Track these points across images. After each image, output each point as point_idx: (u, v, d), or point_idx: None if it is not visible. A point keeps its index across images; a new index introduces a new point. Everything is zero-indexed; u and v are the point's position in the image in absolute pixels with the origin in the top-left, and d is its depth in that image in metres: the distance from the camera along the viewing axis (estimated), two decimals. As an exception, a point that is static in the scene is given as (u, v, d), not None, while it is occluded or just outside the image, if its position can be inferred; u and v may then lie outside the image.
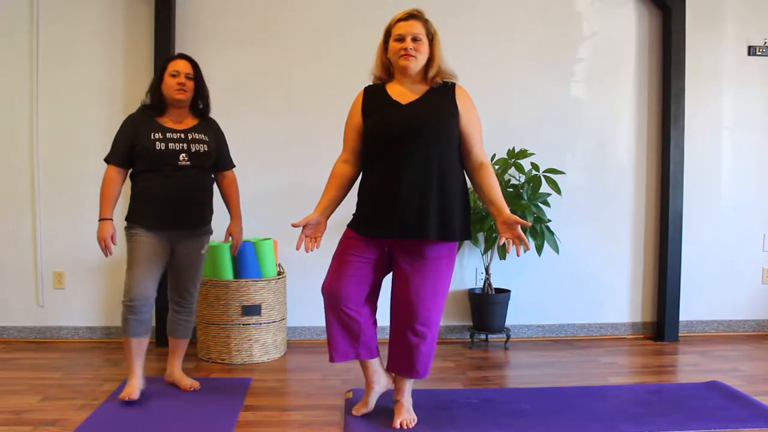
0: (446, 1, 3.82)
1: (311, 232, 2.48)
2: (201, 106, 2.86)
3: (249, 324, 3.40)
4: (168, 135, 2.74)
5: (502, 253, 3.71)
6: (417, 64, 2.39)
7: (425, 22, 2.40)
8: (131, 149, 2.72)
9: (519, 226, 2.32)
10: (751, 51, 3.98)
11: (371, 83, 2.54)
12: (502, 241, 2.34)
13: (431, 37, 2.40)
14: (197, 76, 2.80)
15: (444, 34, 2.47)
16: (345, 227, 2.53)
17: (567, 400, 2.80)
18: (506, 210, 2.37)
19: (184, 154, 2.74)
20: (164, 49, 3.63)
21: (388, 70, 2.48)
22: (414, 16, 2.38)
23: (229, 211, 3.02)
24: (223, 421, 2.54)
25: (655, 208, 4.02)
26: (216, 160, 2.88)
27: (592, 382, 3.11)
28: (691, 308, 4.04)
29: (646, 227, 4.04)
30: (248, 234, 3.67)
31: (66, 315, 3.85)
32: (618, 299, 4.05)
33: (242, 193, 3.77)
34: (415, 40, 2.35)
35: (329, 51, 3.81)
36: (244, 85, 3.80)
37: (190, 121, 2.83)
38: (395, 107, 2.40)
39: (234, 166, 3.01)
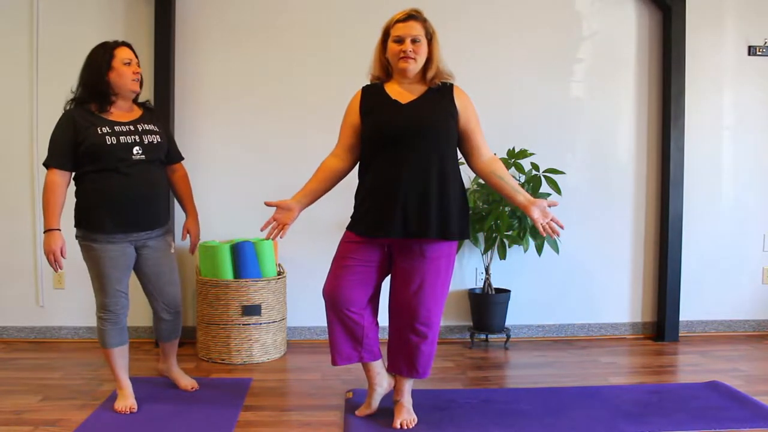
0: (445, 1, 3.82)
1: (281, 216, 2.43)
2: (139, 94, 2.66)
3: (249, 324, 3.40)
4: (117, 128, 2.51)
5: (503, 252, 3.71)
6: (416, 66, 2.38)
7: (424, 22, 2.39)
8: (74, 149, 2.48)
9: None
10: (751, 51, 3.98)
11: (369, 83, 2.54)
12: (539, 224, 2.37)
13: (430, 37, 2.40)
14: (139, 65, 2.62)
15: (443, 33, 2.47)
16: (344, 229, 2.52)
17: (567, 400, 2.80)
18: (530, 196, 2.42)
19: (137, 147, 2.53)
20: (164, 49, 3.63)
21: (386, 69, 2.47)
22: (413, 16, 2.37)
23: (184, 208, 2.83)
24: (223, 421, 2.54)
25: (655, 208, 4.02)
26: (166, 151, 2.69)
27: (592, 382, 3.11)
28: (691, 308, 4.04)
29: (646, 227, 4.03)
30: (248, 234, 3.67)
31: (66, 315, 3.84)
32: (618, 299, 4.04)
33: (242, 192, 3.81)
34: (414, 41, 2.35)
35: (329, 50, 3.81)
36: (244, 84, 3.80)
37: (135, 113, 2.63)
38: (395, 106, 2.40)
39: (183, 158, 2.85)
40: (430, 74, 2.41)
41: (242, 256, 3.45)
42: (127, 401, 2.64)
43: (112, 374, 2.70)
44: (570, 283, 3.99)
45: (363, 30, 3.67)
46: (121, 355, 2.67)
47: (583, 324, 4.03)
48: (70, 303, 3.83)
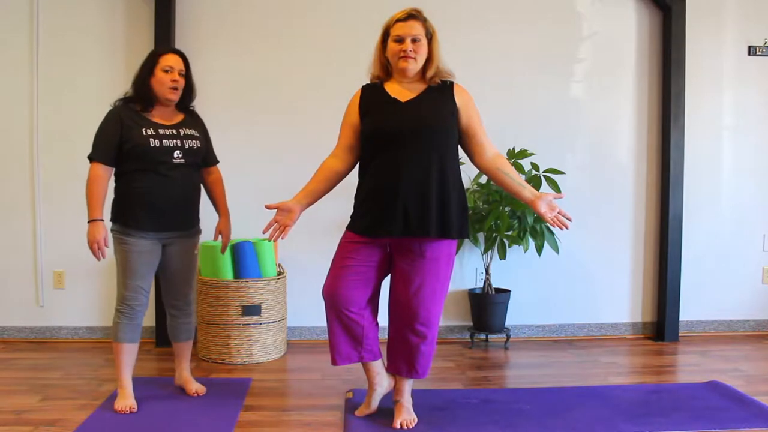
0: (445, 1, 3.82)
1: (282, 218, 2.43)
2: (186, 102, 2.74)
3: (249, 324, 3.40)
4: (161, 131, 2.60)
5: (503, 252, 3.71)
6: (416, 65, 2.38)
7: (424, 22, 2.39)
8: (119, 147, 2.56)
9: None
10: (751, 51, 3.98)
11: (369, 82, 2.54)
12: (548, 218, 2.36)
13: (430, 37, 2.40)
14: (188, 73, 2.68)
15: (443, 33, 2.47)
16: (344, 229, 2.52)
17: (567, 400, 2.80)
18: (535, 191, 2.43)
19: (178, 151, 2.61)
20: (164, 49, 3.63)
21: (386, 69, 2.47)
22: (413, 16, 2.37)
23: (217, 209, 2.89)
24: (223, 421, 2.54)
25: (655, 208, 4.02)
26: (203, 155, 2.76)
27: (592, 382, 3.11)
28: (691, 308, 4.04)
29: (646, 227, 4.03)
30: (248, 234, 3.67)
31: (66, 315, 3.84)
32: (618, 299, 4.04)
33: (242, 192, 3.79)
34: (414, 41, 2.35)
35: (329, 50, 3.81)
36: (244, 84, 3.80)
37: (178, 116, 2.70)
38: (395, 105, 2.40)
39: (218, 161, 2.90)
40: (429, 73, 2.41)
41: (242, 256, 3.45)
42: (127, 401, 2.64)
43: (116, 371, 2.70)
44: (570, 283, 3.99)
45: (363, 29, 3.67)
46: (129, 353, 2.68)
47: (583, 324, 4.03)
48: (70, 303, 3.83)
